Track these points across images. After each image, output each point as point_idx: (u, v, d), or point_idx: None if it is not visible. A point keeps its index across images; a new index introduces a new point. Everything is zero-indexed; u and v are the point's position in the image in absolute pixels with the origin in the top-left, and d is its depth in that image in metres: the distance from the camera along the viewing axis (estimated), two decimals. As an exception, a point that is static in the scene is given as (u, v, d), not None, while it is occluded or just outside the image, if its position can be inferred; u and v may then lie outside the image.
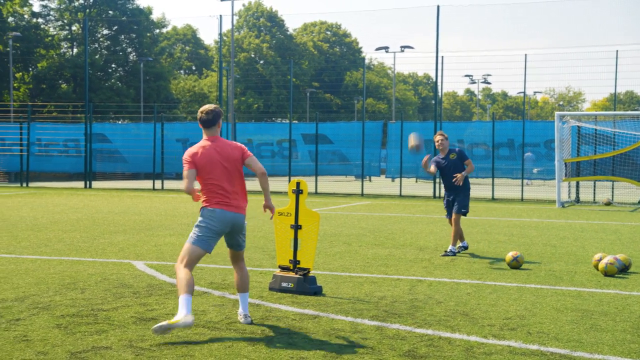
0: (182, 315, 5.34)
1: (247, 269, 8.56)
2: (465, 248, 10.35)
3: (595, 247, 11.23)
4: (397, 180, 27.53)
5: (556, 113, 21.77)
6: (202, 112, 5.93)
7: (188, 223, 14.08)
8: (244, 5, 75.07)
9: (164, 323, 5.27)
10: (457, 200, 10.26)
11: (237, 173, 5.89)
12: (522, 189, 24.25)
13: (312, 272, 7.60)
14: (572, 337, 5.57)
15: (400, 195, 25.30)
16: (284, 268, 7.30)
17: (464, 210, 10.25)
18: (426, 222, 15.34)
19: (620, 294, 7.36)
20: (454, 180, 10.16)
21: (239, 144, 6.03)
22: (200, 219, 5.82)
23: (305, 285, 7.10)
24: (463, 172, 10.20)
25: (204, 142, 5.91)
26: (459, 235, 10.21)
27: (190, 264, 5.70)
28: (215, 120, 5.91)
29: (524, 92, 26.83)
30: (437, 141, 10.37)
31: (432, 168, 10.42)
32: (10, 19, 51.65)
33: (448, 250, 10.13)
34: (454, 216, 10.22)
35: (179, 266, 5.69)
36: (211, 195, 5.81)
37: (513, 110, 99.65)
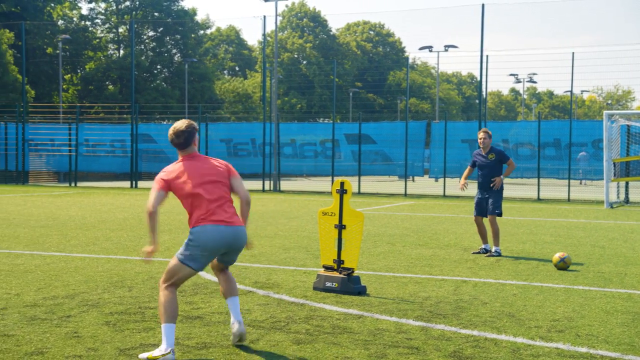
0: (163, 349, 4.79)
1: (291, 268, 8.62)
2: (487, 251, 10.14)
3: (646, 248, 10.96)
4: (441, 180, 27.31)
5: (605, 112, 21.33)
6: (172, 134, 5.14)
7: (232, 222, 14.20)
8: (287, 6, 75.39)
9: (143, 356, 4.82)
10: (491, 200, 10.17)
11: (225, 187, 5.21)
12: (569, 189, 23.81)
13: (356, 272, 7.59)
14: (622, 340, 5.45)
15: (444, 196, 25.09)
16: (328, 268, 7.31)
17: (498, 211, 10.16)
18: (470, 222, 15.17)
19: (673, 297, 7.17)
20: (492, 184, 10.12)
21: (222, 161, 5.34)
22: (190, 237, 5.09)
23: (350, 285, 7.10)
24: (502, 175, 10.16)
25: (180, 161, 5.18)
26: (499, 235, 10.12)
27: (177, 285, 5.09)
28: (188, 142, 5.14)
29: (571, 91, 26.36)
30: (480, 138, 10.36)
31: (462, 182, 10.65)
32: (60, 22, 52.90)
33: (493, 251, 10.01)
34: (489, 217, 10.12)
35: (161, 286, 5.06)
36: (201, 211, 5.06)
37: (559, 110, 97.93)
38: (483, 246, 10.21)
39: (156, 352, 4.79)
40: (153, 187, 5.11)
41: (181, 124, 5.17)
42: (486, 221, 10.34)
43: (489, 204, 10.20)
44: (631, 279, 8.16)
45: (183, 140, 5.12)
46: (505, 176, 10.28)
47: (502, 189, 10.33)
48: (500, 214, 10.20)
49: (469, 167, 10.60)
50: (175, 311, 4.93)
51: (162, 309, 4.91)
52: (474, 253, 10.16)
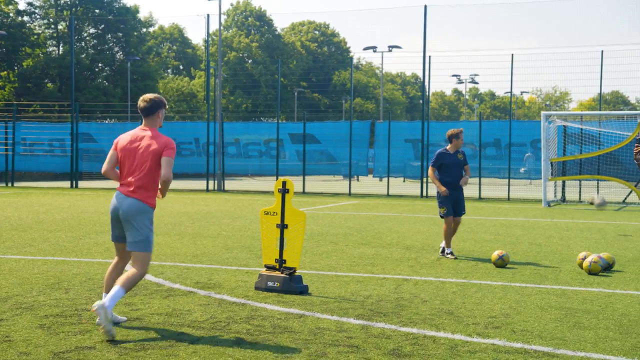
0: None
1: (234, 268, 8.56)
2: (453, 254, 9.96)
3: (580, 245, 11.31)
4: (385, 179, 27.58)
5: (542, 113, 21.90)
6: (141, 100, 5.78)
7: (174, 223, 14.04)
8: (232, 4, 74.95)
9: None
10: (461, 200, 10.16)
11: (149, 167, 5.62)
12: (509, 188, 24.35)
13: (298, 272, 7.60)
14: (555, 335, 5.60)
15: (388, 195, 25.34)
16: (270, 267, 7.29)
17: (463, 211, 10.26)
18: (413, 221, 15.38)
19: (604, 292, 7.42)
20: (461, 182, 10.11)
21: (169, 141, 5.69)
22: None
23: (291, 284, 7.09)
24: (468, 177, 10.24)
25: (136, 129, 5.85)
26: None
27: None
28: (153, 110, 5.73)
29: (511, 92, 26.94)
30: (460, 139, 10.12)
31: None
32: (-4, 17, 51.31)
33: (448, 252, 9.85)
34: (458, 218, 10.11)
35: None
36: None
37: (500, 110, 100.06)
38: (450, 249, 9.92)
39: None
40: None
41: (152, 94, 5.84)
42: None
43: (460, 204, 10.14)
44: (565, 276, 8.40)
45: (149, 106, 5.74)
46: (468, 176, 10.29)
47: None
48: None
49: (434, 169, 10.21)
50: (106, 281, 5.77)
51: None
52: (449, 256, 9.76)
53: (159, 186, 5.76)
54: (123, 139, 5.83)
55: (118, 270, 5.86)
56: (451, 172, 10.12)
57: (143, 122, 5.81)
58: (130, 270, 5.63)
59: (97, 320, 5.28)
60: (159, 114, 5.78)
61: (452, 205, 10.12)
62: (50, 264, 8.66)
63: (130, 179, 5.66)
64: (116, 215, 5.70)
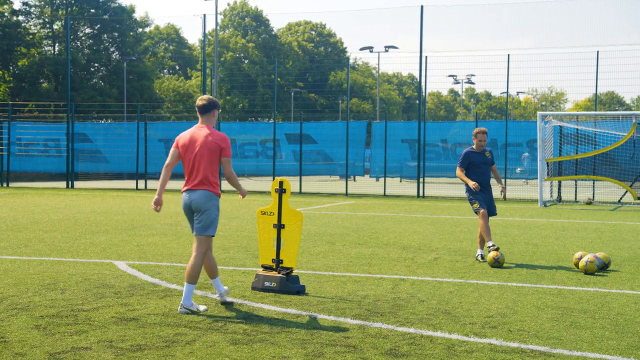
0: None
1: (230, 268, 8.55)
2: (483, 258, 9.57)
3: (576, 245, 11.32)
4: (381, 179, 27.57)
5: (538, 113, 21.92)
6: (200, 99, 6.43)
7: (171, 223, 14.02)
8: (228, 4, 74.90)
9: (203, 308, 6.20)
10: (492, 200, 9.95)
11: (209, 160, 6.29)
12: (505, 188, 24.36)
13: (295, 272, 7.59)
14: (552, 335, 5.60)
15: (384, 195, 25.34)
16: (266, 267, 7.28)
17: (495, 212, 10.07)
18: (410, 221, 15.38)
19: (600, 291, 7.43)
20: (501, 193, 10.21)
21: (225, 138, 6.38)
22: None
23: (288, 284, 7.09)
24: (502, 186, 10.25)
25: (192, 128, 6.42)
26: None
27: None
28: (209, 108, 6.38)
29: (507, 92, 26.97)
30: (481, 140, 9.81)
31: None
32: (-9, 17, 51.19)
33: (490, 245, 9.43)
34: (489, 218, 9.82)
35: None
36: (185, 180, 6.40)
37: (496, 111, 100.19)
38: (481, 251, 9.58)
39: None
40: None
41: (208, 95, 6.59)
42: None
43: (491, 203, 9.91)
44: (561, 276, 8.41)
45: (206, 104, 6.38)
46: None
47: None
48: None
49: (460, 168, 9.92)
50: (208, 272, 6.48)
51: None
52: (483, 262, 9.42)
53: (233, 186, 6.55)
54: (184, 137, 6.43)
55: (209, 259, 6.44)
56: (480, 171, 9.86)
57: (200, 120, 6.43)
58: (190, 262, 6.27)
59: (203, 308, 6.23)
60: (214, 113, 6.43)
61: (486, 203, 9.87)
62: (46, 265, 8.64)
63: (195, 174, 6.31)
64: (189, 209, 6.33)
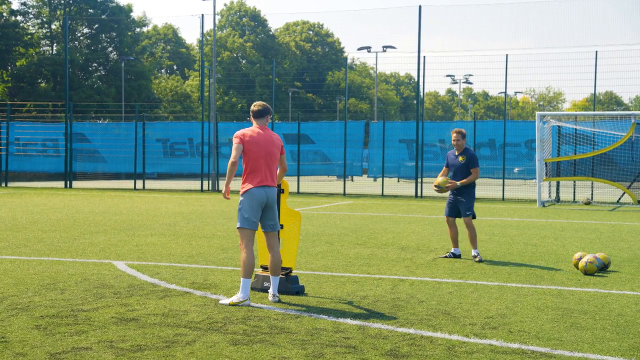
0: (240, 297, 6.49)
1: (229, 268, 8.55)
2: (455, 256, 9.79)
3: (576, 246, 11.33)
4: (379, 179, 27.60)
5: (537, 113, 21.94)
6: (254, 105, 6.92)
7: (169, 223, 14.01)
8: (225, 4, 74.85)
9: (225, 301, 6.49)
10: (461, 203, 9.84)
11: (276, 158, 6.80)
12: (504, 188, 24.39)
13: (294, 272, 7.59)
14: (552, 336, 5.60)
15: (382, 195, 25.34)
16: (266, 268, 7.27)
17: (469, 212, 9.80)
18: (408, 221, 15.38)
19: (600, 292, 7.43)
20: (448, 184, 9.82)
21: (280, 138, 6.95)
22: (241, 198, 6.69)
23: (288, 284, 7.08)
24: (460, 181, 9.74)
25: (253, 127, 6.82)
26: (475, 237, 9.75)
27: (248, 246, 6.61)
28: (264, 113, 6.84)
29: (505, 92, 27.00)
30: (453, 139, 9.89)
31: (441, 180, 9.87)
32: (-11, 16, 51.10)
33: (473, 255, 9.67)
34: (464, 220, 9.84)
35: (240, 249, 6.66)
36: (254, 176, 6.67)
37: (494, 110, 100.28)
38: (452, 250, 9.84)
39: (234, 299, 6.47)
40: (233, 142, 6.72)
41: (261, 102, 6.95)
42: (460, 223, 10.24)
43: (460, 205, 9.86)
44: (561, 276, 8.41)
45: (261, 109, 6.83)
46: (462, 184, 9.75)
47: (473, 189, 9.88)
48: (472, 216, 9.87)
49: (444, 168, 10.05)
50: (249, 268, 6.57)
51: (241, 266, 6.59)
52: (441, 257, 9.78)
53: (279, 180, 7.07)
54: (250, 135, 6.71)
55: (253, 254, 6.71)
56: (452, 172, 9.91)
57: (255, 123, 6.84)
58: (272, 258, 6.78)
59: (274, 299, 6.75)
60: (268, 118, 6.90)
61: (448, 205, 10.00)
62: (46, 265, 8.63)
63: (269, 171, 6.73)
64: (263, 204, 6.67)
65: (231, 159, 6.63)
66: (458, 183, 9.78)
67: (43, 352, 4.93)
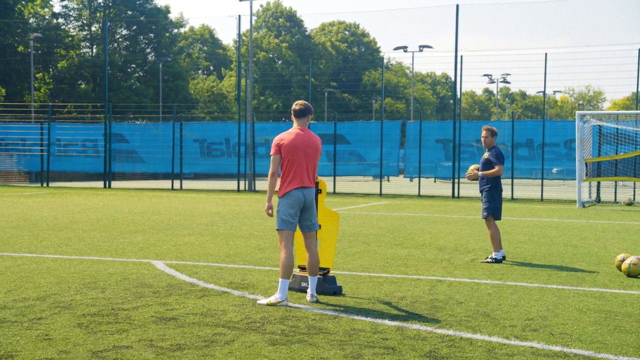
0: (278, 297, 6.54)
1: (267, 268, 8.57)
2: (496, 260, 9.37)
3: (618, 247, 11.10)
4: (416, 180, 27.43)
5: (577, 112, 21.57)
6: (295, 104, 6.93)
7: (207, 223, 14.12)
8: (262, 5, 75.22)
9: (262, 301, 6.53)
10: (482, 202, 9.73)
11: (314, 160, 6.80)
12: (542, 188, 24.04)
13: (332, 272, 7.57)
14: (595, 339, 5.49)
15: (419, 195, 25.19)
16: (303, 268, 7.28)
17: (485, 213, 9.64)
18: (445, 222, 15.26)
19: (644, 295, 7.26)
20: (471, 173, 9.73)
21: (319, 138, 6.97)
22: (280, 200, 6.71)
23: (325, 285, 7.07)
24: (478, 172, 9.64)
25: (293, 129, 6.83)
26: (495, 241, 9.47)
27: (287, 247, 6.64)
28: (306, 113, 6.83)
29: (544, 92, 26.64)
30: (482, 136, 9.80)
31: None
32: (32, 19, 52.16)
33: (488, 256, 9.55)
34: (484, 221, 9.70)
35: (280, 249, 6.70)
36: (293, 178, 6.66)
37: (532, 110, 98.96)
38: (493, 254, 9.47)
39: (272, 299, 6.52)
40: (272, 150, 6.75)
41: (303, 101, 6.95)
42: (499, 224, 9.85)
43: (482, 205, 9.73)
44: (603, 278, 8.25)
45: (303, 108, 6.82)
46: (484, 174, 9.61)
47: (494, 191, 9.66)
48: (484, 217, 9.68)
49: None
50: (288, 269, 6.60)
51: (280, 267, 6.64)
52: (495, 260, 9.37)
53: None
54: (287, 139, 6.71)
55: (293, 254, 6.79)
56: (479, 169, 9.80)
57: (296, 123, 6.85)
58: (310, 258, 6.82)
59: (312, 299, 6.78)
60: (309, 117, 6.90)
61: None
62: (86, 264, 8.76)
63: (308, 173, 6.74)
64: (302, 205, 6.70)
65: (270, 171, 6.68)
66: (480, 173, 9.70)
67: (85, 350, 5.00)
